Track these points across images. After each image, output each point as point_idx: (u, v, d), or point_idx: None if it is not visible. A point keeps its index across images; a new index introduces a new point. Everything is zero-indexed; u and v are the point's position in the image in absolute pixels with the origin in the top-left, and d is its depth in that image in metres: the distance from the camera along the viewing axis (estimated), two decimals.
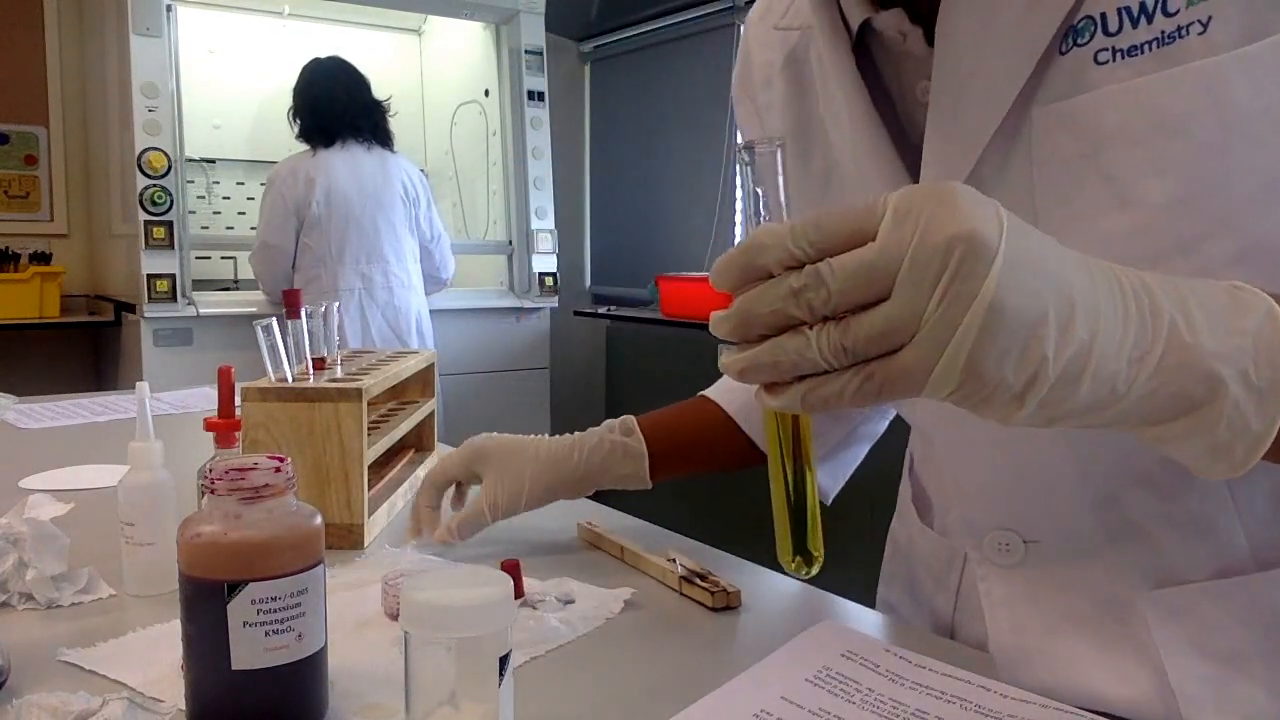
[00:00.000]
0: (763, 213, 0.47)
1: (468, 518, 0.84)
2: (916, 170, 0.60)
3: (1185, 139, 0.50)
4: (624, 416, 0.87)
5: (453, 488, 0.89)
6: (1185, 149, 0.50)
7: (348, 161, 2.85)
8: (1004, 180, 0.56)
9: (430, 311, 3.10)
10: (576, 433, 0.87)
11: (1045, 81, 0.54)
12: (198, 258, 3.23)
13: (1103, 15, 0.52)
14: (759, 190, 0.46)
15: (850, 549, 0.97)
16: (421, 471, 1.13)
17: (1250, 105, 0.49)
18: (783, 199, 0.47)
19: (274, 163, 3.66)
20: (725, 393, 0.93)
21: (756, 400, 0.44)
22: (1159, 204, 0.51)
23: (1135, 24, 0.51)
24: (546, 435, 0.90)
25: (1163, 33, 0.50)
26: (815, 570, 0.51)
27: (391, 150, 2.99)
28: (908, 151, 0.60)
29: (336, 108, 2.88)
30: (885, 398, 0.39)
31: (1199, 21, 0.49)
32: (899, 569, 0.81)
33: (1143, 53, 0.51)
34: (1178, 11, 0.50)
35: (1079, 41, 0.53)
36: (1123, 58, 0.52)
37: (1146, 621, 0.58)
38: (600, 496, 0.93)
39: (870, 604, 0.79)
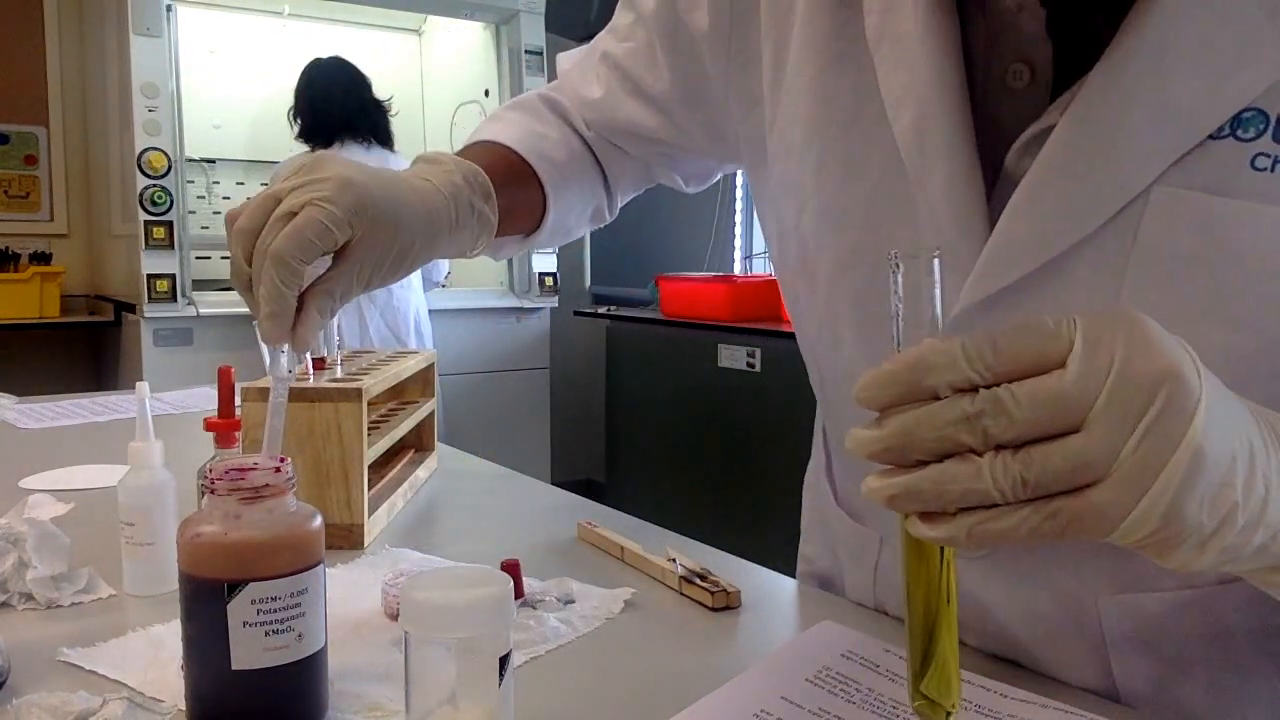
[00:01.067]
0: (900, 326, 0.42)
1: (334, 302, 0.60)
2: (992, 167, 0.54)
3: None
4: (475, 170, 0.71)
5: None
6: None
7: (344, 157, 2.85)
8: (1095, 259, 0.50)
9: (430, 311, 3.10)
10: (436, 179, 0.68)
11: (1183, 163, 0.48)
12: (198, 258, 3.23)
13: (1279, 117, 0.46)
14: (932, 296, 0.42)
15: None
16: (422, 472, 1.13)
17: None
18: (938, 311, 0.42)
19: (274, 163, 3.67)
20: (525, 146, 0.80)
21: (905, 529, 0.40)
22: (1267, 336, 0.48)
23: None
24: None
25: None
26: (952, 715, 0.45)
27: (392, 150, 2.99)
28: (981, 141, 0.54)
29: (335, 108, 2.88)
30: (1068, 536, 0.36)
31: None
32: (816, 533, 0.81)
33: None
34: None
35: (1239, 134, 0.47)
36: None
37: (1100, 620, 0.58)
38: (600, 496, 0.92)
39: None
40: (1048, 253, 0.51)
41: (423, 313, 3.04)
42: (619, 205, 0.90)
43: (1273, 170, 0.46)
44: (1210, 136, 0.47)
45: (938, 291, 0.41)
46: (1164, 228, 0.48)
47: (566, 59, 0.88)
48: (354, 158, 2.87)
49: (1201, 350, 0.48)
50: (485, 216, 0.71)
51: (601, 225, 0.91)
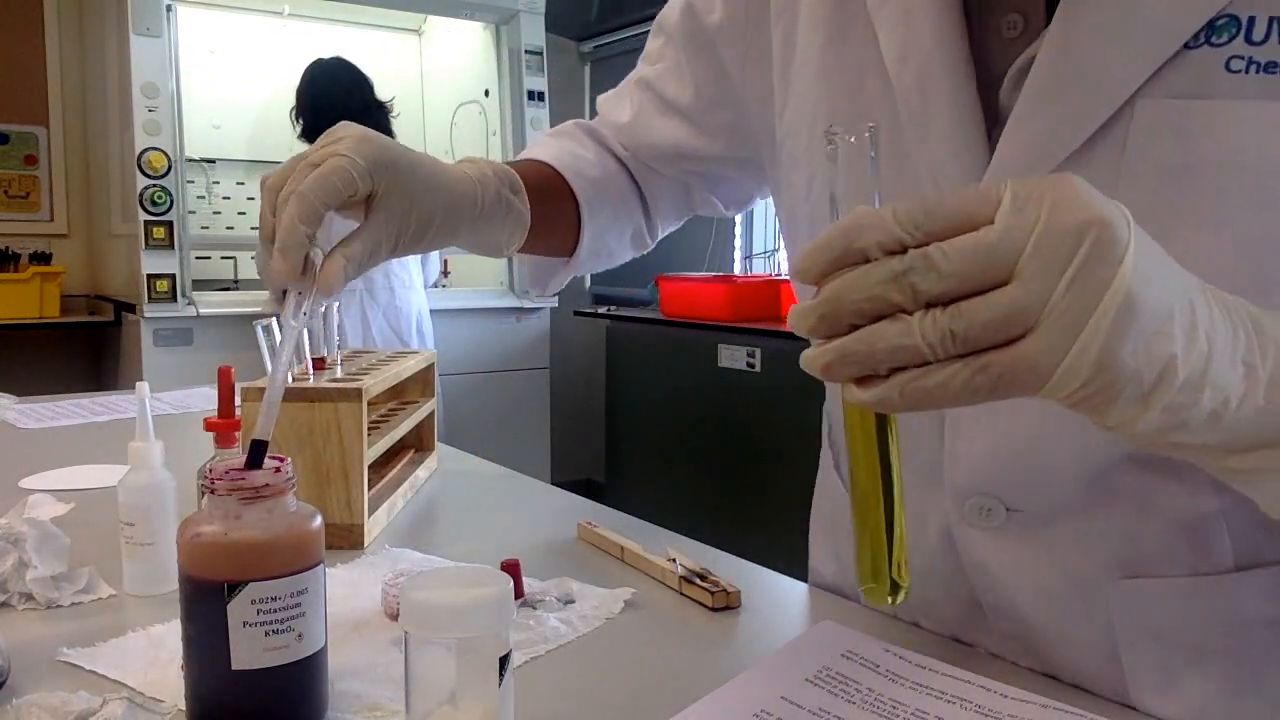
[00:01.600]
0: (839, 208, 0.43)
1: (359, 256, 0.59)
2: (988, 112, 0.55)
3: None
4: (505, 167, 0.72)
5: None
6: None
7: None
8: (1089, 176, 0.52)
9: (430, 311, 3.10)
10: (466, 167, 0.69)
11: (1162, 73, 0.49)
12: (198, 258, 3.23)
13: (1251, 19, 0.47)
14: (845, 176, 0.43)
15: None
16: (422, 472, 1.13)
17: None
18: (872, 186, 0.43)
19: (275, 163, 3.67)
20: (566, 165, 0.82)
21: (845, 399, 0.40)
22: (1254, 238, 0.48)
23: None
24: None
25: None
26: (900, 599, 0.46)
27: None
28: (979, 86, 0.56)
29: (336, 108, 2.88)
30: (1001, 393, 0.36)
31: None
32: (823, 539, 0.81)
33: None
34: None
35: (1213, 40, 0.48)
36: (1259, 71, 0.47)
37: (1109, 604, 0.58)
38: (600, 496, 0.92)
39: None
40: (1041, 172, 0.52)
41: (425, 313, 3.04)
42: (660, 231, 0.91)
43: (1246, 71, 0.47)
44: (1186, 46, 0.48)
45: (869, 165, 0.43)
46: (1150, 138, 0.50)
47: (604, 97, 0.91)
48: None
49: (1195, 257, 0.49)
50: (516, 210, 0.71)
51: (644, 251, 0.91)
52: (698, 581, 0.75)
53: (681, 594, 0.76)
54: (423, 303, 3.03)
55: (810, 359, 0.39)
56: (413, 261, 2.99)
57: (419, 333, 3.00)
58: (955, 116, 0.55)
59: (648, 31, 0.87)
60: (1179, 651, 0.57)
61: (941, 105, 0.56)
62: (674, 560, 0.79)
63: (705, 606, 0.73)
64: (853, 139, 0.43)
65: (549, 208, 0.77)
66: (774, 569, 0.82)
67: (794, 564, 0.86)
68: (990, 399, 0.37)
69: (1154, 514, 0.56)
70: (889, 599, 0.46)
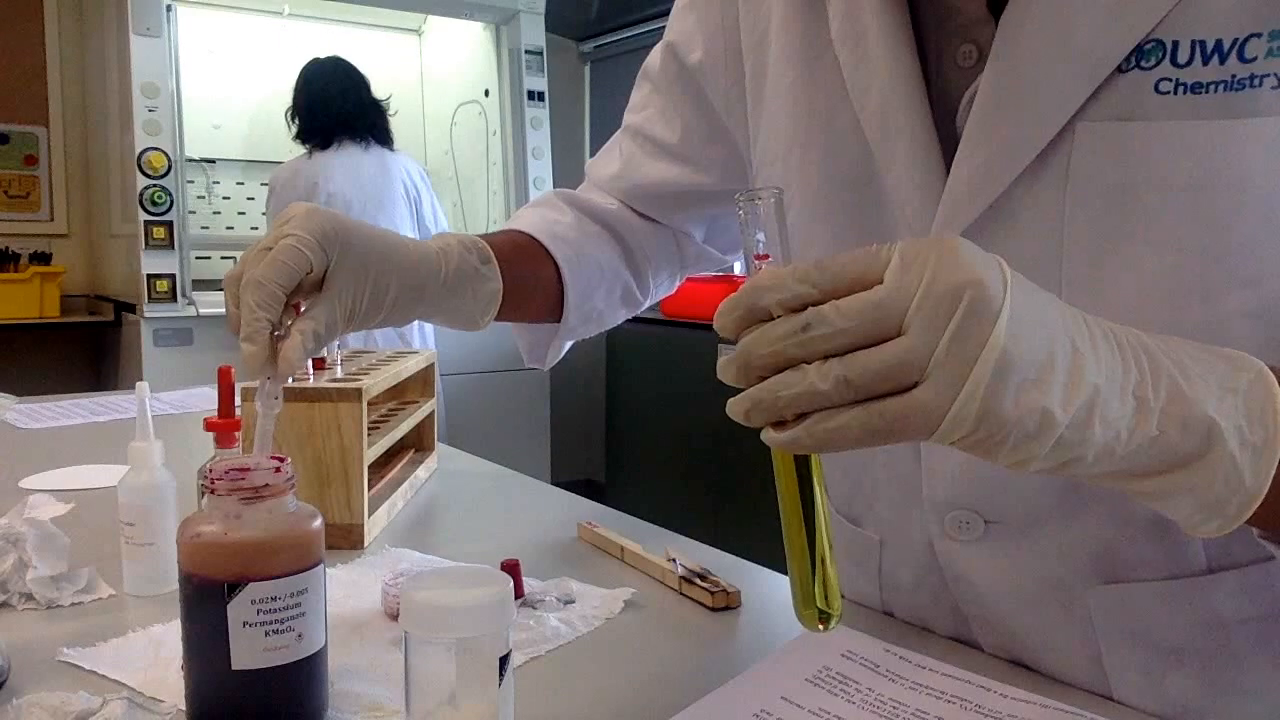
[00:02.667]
0: (758, 260, 0.47)
1: (316, 329, 0.59)
2: (951, 139, 0.57)
3: (1235, 195, 0.49)
4: (475, 238, 0.73)
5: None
6: (1232, 205, 0.49)
7: (346, 163, 2.85)
8: (1035, 198, 0.55)
9: None
10: (432, 241, 0.70)
11: (1098, 96, 0.52)
12: (198, 258, 3.23)
13: (1174, 43, 0.50)
14: (760, 236, 0.46)
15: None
16: (423, 472, 1.13)
17: None
18: (780, 246, 0.46)
19: (274, 163, 3.66)
20: (545, 234, 0.83)
21: (765, 443, 0.43)
22: (1191, 251, 0.51)
23: (1206, 61, 0.49)
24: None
25: (1233, 77, 0.48)
26: (832, 625, 0.48)
27: (391, 149, 2.98)
28: (937, 116, 0.58)
29: (332, 108, 2.87)
30: (896, 435, 0.39)
31: (1276, 75, 0.48)
32: None
33: (1207, 93, 0.49)
34: (1255, 59, 0.48)
35: (1142, 64, 0.50)
36: (1185, 92, 0.50)
37: (1089, 609, 0.59)
38: (600, 496, 0.92)
39: None
40: (989, 195, 0.55)
41: None
42: (653, 287, 0.90)
43: (1174, 92, 0.50)
44: (1120, 70, 0.51)
45: (778, 227, 0.46)
46: (1090, 160, 0.52)
47: (591, 160, 0.92)
48: (352, 158, 2.81)
49: (1138, 273, 0.52)
50: (485, 279, 0.72)
51: (638, 309, 0.91)
52: (698, 581, 0.75)
53: (681, 594, 0.76)
54: None
55: (731, 407, 0.42)
56: None
57: (420, 330, 2.99)
58: (913, 144, 0.58)
59: (648, 31, 0.87)
60: (1160, 653, 0.57)
61: (902, 134, 0.58)
62: (674, 560, 0.79)
63: (705, 606, 0.73)
64: (760, 202, 0.46)
65: (525, 272, 0.77)
66: (774, 569, 0.82)
67: None
68: (888, 442, 0.39)
69: (1127, 520, 0.57)
70: (818, 626, 0.48)
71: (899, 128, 0.58)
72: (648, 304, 0.91)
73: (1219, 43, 0.49)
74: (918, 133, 0.58)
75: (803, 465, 0.47)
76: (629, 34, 3.89)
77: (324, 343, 0.60)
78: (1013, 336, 0.38)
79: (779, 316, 0.40)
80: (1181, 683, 0.57)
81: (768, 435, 0.42)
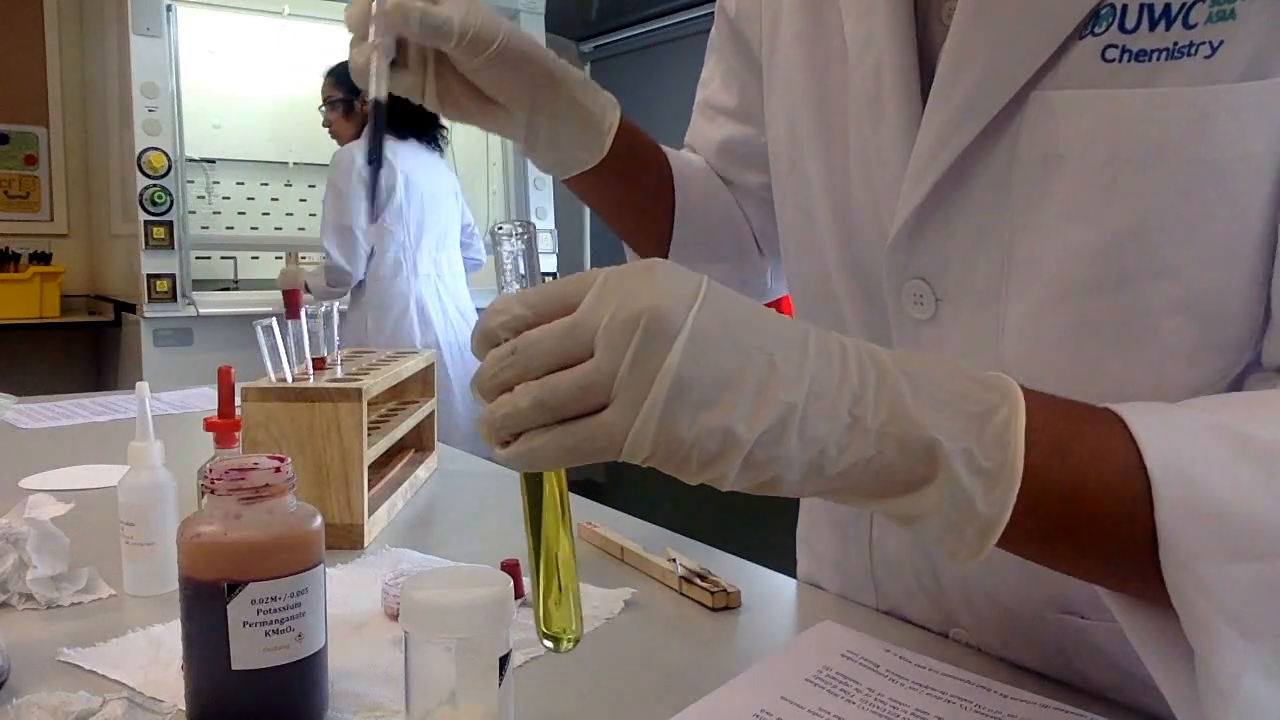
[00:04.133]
0: (511, 281, 0.49)
1: (429, 13, 0.61)
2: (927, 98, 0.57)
3: (1155, 169, 0.48)
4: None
5: None
6: (1150, 180, 0.48)
7: (414, 153, 2.85)
8: (987, 168, 0.54)
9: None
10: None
11: (1055, 66, 0.51)
12: (198, 258, 3.23)
13: (1124, 7, 0.48)
14: (507, 266, 0.48)
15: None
16: (422, 472, 1.13)
17: (1231, 150, 0.47)
18: (526, 275, 0.48)
19: (274, 163, 3.68)
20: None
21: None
22: (1116, 230, 0.50)
23: (1153, 26, 0.48)
24: None
25: (1175, 44, 0.47)
26: (566, 648, 0.49)
27: (441, 155, 2.99)
28: (924, 74, 0.57)
29: (412, 105, 2.85)
30: (588, 454, 0.40)
31: (1209, 43, 0.46)
32: (810, 533, 0.81)
33: (1150, 60, 0.48)
34: (1196, 25, 0.47)
35: (1095, 30, 0.49)
36: (1130, 60, 0.48)
37: (1059, 632, 0.59)
38: (600, 496, 0.92)
39: None
40: (943, 163, 0.54)
41: (428, 305, 3.00)
42: (767, 246, 0.86)
43: (1120, 59, 0.49)
44: (1078, 36, 0.50)
45: (523, 259, 0.48)
46: (1037, 132, 0.52)
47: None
48: (420, 153, 2.81)
49: (1066, 247, 0.51)
50: (605, 95, 0.72)
51: (753, 264, 0.87)
52: (698, 581, 0.75)
53: (681, 594, 0.76)
54: (422, 293, 3.01)
55: (478, 427, 0.43)
56: (460, 250, 3.00)
57: (421, 321, 2.99)
58: (900, 101, 0.57)
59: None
60: (1125, 676, 0.57)
61: (891, 96, 0.58)
62: (674, 560, 0.79)
63: (705, 606, 0.73)
64: (506, 235, 0.48)
65: (643, 143, 0.77)
66: (774, 569, 0.82)
67: (794, 564, 0.86)
68: (584, 461, 0.40)
69: None
70: (544, 643, 0.49)
71: (891, 88, 0.58)
72: (766, 257, 0.86)
73: (1167, 7, 0.47)
74: (906, 96, 0.57)
75: (535, 486, 0.48)
76: (629, 34, 3.88)
77: (432, 26, 0.61)
78: (691, 358, 0.38)
79: (506, 339, 0.41)
80: (1149, 700, 0.57)
81: (495, 452, 0.43)
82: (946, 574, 0.64)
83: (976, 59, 0.53)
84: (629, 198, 0.79)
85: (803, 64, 0.66)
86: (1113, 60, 0.49)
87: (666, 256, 0.81)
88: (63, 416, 1.53)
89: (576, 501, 1.06)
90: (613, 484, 3.44)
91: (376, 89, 0.62)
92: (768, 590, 0.78)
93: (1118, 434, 0.41)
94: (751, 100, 0.79)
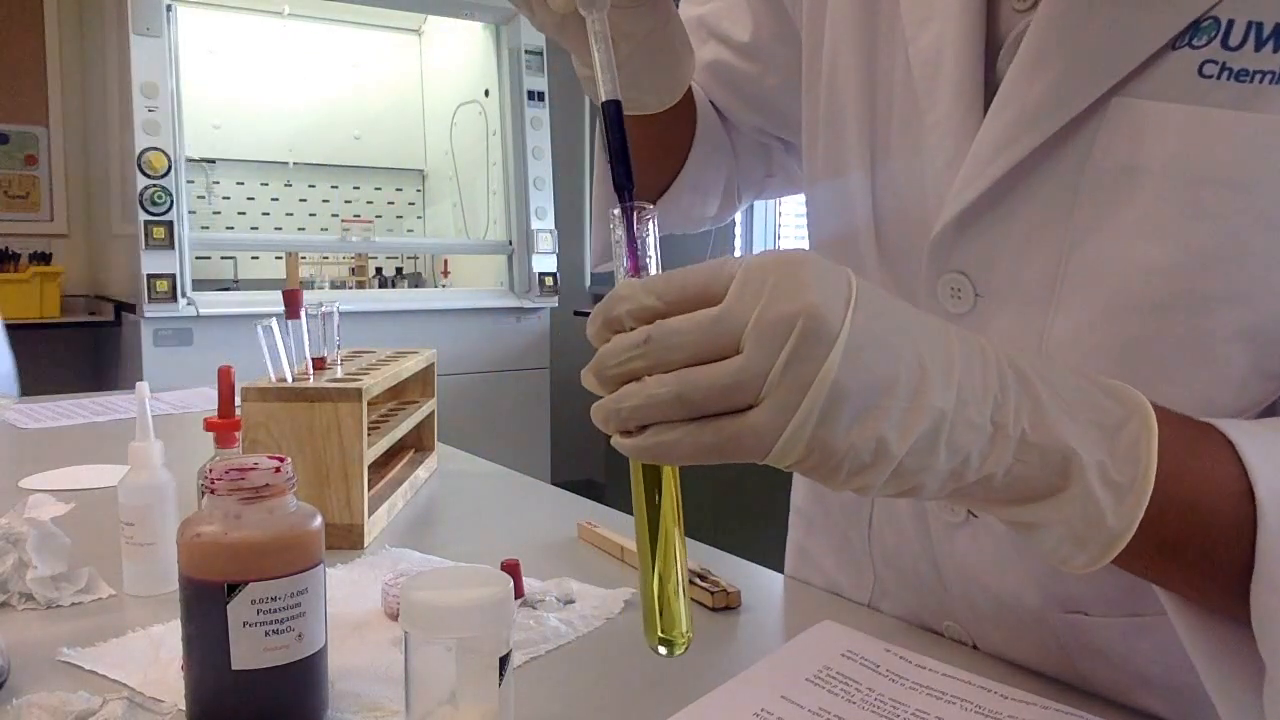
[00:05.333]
0: (627, 267, 0.46)
1: None
2: (990, 89, 0.54)
3: (1244, 195, 0.46)
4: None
5: None
6: (1237, 205, 0.47)
7: None
8: (1055, 171, 0.51)
9: (430, 311, 3.10)
10: None
11: (1143, 72, 0.48)
12: (198, 258, 3.23)
13: (1230, 22, 0.46)
14: (639, 242, 0.46)
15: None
16: (422, 472, 1.13)
17: None
18: (649, 259, 0.46)
19: (274, 163, 3.68)
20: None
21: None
22: (1192, 251, 0.48)
23: (1260, 46, 0.45)
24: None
25: None
26: (680, 652, 0.46)
27: None
28: (989, 55, 0.54)
29: None
30: (729, 454, 0.38)
31: None
32: (804, 524, 0.80)
33: (1251, 81, 0.45)
34: None
35: (1194, 42, 0.47)
36: (1230, 79, 0.46)
37: (1056, 629, 0.59)
38: (600, 496, 0.92)
39: None
40: (1009, 159, 0.52)
41: None
42: (742, 192, 0.85)
43: (1218, 77, 0.46)
44: (1172, 46, 0.47)
45: (653, 240, 0.46)
46: (1114, 139, 0.49)
47: None
48: None
49: (1133, 272, 0.49)
50: (690, 50, 0.67)
51: (729, 214, 0.86)
52: (698, 581, 0.75)
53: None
54: None
55: (593, 414, 0.42)
56: None
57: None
58: (959, 85, 0.55)
59: None
60: (1127, 674, 0.57)
61: (951, 73, 0.55)
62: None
63: (705, 606, 0.73)
64: (626, 214, 0.46)
65: (688, 103, 0.73)
66: (774, 569, 0.82)
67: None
68: (721, 460, 0.39)
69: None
70: (657, 649, 0.47)
71: (949, 66, 0.55)
72: (739, 207, 0.86)
73: (1277, 27, 0.45)
74: (966, 76, 0.54)
75: (652, 480, 0.46)
76: None
77: None
78: (850, 362, 0.37)
79: (632, 328, 0.40)
80: (1150, 700, 0.57)
81: (615, 441, 0.42)
82: (948, 569, 0.64)
83: (1059, 56, 0.50)
84: (659, 138, 0.74)
85: (854, 32, 0.62)
86: (1210, 76, 0.47)
87: (662, 194, 0.78)
88: (63, 416, 1.53)
89: (576, 501, 1.06)
90: (613, 484, 3.44)
91: (606, 87, 0.51)
92: (768, 590, 0.78)
93: (1227, 456, 0.42)
94: (763, 38, 0.75)
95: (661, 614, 0.46)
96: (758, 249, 3.95)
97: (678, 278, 0.40)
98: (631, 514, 1.01)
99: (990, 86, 0.54)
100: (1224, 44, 0.46)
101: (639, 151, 0.73)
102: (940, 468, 0.39)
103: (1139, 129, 0.48)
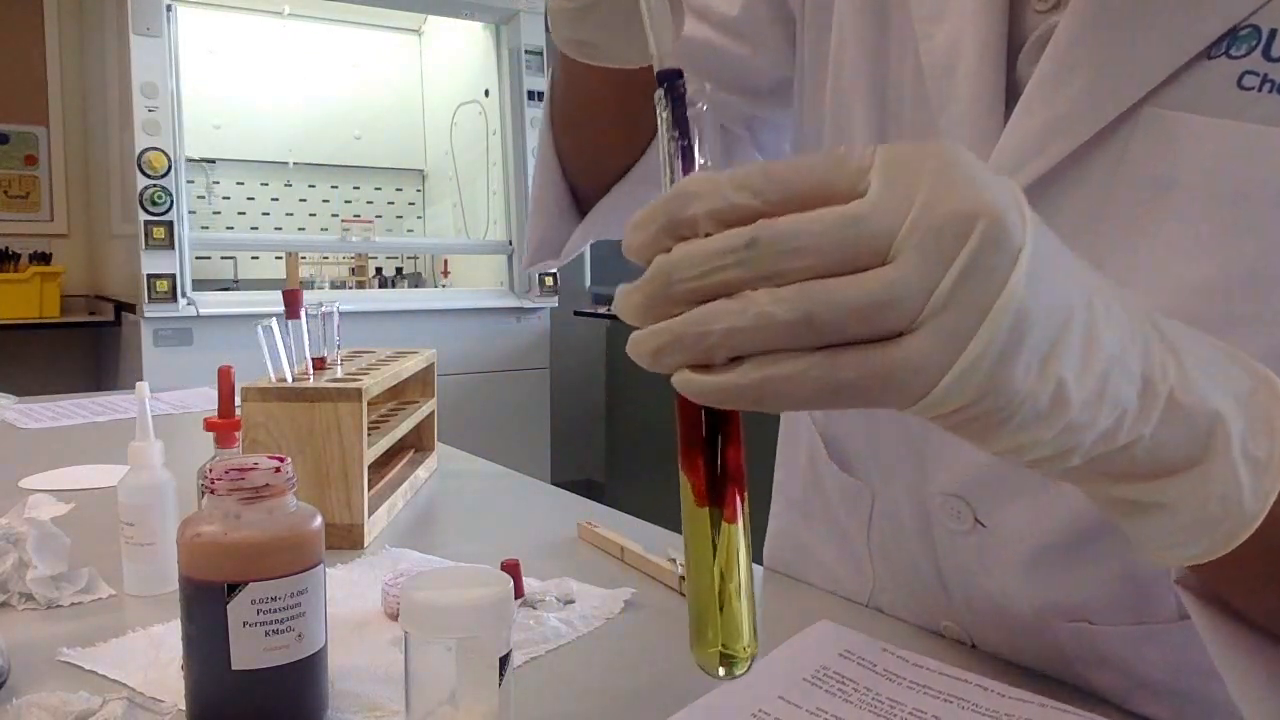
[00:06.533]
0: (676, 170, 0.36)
1: None
2: (1010, 86, 0.51)
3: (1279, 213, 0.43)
4: None
5: None
6: (1274, 224, 0.44)
7: None
8: (1082, 183, 0.49)
9: (430, 311, 3.10)
10: None
11: (1178, 80, 0.45)
12: (198, 258, 3.23)
13: (1272, 32, 0.43)
14: (689, 137, 0.36)
15: None
16: (422, 472, 1.13)
17: None
18: (706, 155, 0.37)
19: (274, 163, 3.68)
20: None
21: (678, 389, 0.32)
22: (1231, 269, 0.45)
23: None
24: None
25: None
26: (738, 671, 0.36)
27: None
28: (1008, 57, 0.51)
29: None
30: (870, 395, 0.30)
31: None
32: (793, 522, 0.78)
33: None
34: None
35: (1232, 51, 0.44)
36: (1272, 91, 0.43)
37: (1059, 639, 0.59)
38: (600, 496, 0.92)
39: None
40: (1037, 169, 0.49)
41: None
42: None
43: (1260, 89, 0.43)
44: (1208, 55, 0.45)
45: (708, 131, 0.36)
46: (1149, 150, 0.47)
47: None
48: None
49: (1164, 288, 0.46)
50: (682, 8, 0.59)
51: None
52: None
53: (681, 594, 0.76)
54: None
55: (638, 342, 0.32)
56: None
57: None
58: (977, 88, 0.51)
59: None
60: (1131, 680, 0.57)
61: (967, 74, 0.52)
62: (674, 560, 0.79)
63: None
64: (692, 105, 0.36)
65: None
66: (774, 569, 0.82)
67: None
68: (851, 405, 0.30)
69: (1092, 565, 0.55)
70: (718, 670, 0.36)
71: (964, 70, 0.52)
72: None
73: None
74: (986, 76, 0.51)
75: (713, 439, 0.34)
76: None
77: None
78: (1031, 285, 0.29)
79: (708, 233, 0.31)
80: (1153, 706, 0.57)
81: (686, 380, 0.31)
82: (951, 574, 0.63)
83: (1088, 61, 0.47)
84: (622, 105, 0.65)
85: (859, 26, 0.59)
86: (1250, 89, 0.44)
87: (619, 178, 0.69)
88: (63, 416, 1.53)
89: (576, 501, 1.06)
90: (613, 484, 3.44)
91: (657, 46, 0.40)
92: (767, 590, 0.78)
93: None
94: (755, 15, 0.69)
95: (726, 624, 0.35)
96: None
97: (780, 169, 0.30)
98: (632, 514, 1.01)
99: (1009, 90, 0.52)
100: (1265, 54, 0.43)
101: (602, 112, 0.65)
102: (1100, 425, 0.32)
103: (1173, 141, 0.46)
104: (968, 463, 0.59)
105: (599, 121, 0.69)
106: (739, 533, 0.35)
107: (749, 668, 0.36)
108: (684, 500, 0.35)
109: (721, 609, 0.35)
